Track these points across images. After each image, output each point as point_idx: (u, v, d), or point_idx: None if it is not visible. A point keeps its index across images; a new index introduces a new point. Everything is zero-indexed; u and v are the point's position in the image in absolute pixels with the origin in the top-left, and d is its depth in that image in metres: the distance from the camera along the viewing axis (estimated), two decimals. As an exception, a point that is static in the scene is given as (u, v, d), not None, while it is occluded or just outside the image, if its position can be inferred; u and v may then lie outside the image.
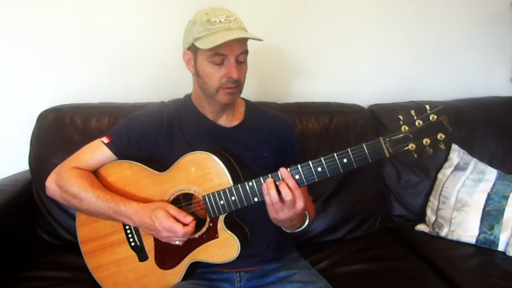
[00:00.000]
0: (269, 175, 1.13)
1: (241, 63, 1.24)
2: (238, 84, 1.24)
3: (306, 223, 1.26)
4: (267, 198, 1.12)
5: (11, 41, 1.81)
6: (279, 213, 1.13)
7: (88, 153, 1.33)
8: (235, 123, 1.37)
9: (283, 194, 1.10)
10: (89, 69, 1.88)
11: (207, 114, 1.35)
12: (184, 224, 1.16)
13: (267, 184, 1.11)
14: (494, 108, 2.03)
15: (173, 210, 1.19)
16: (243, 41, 1.23)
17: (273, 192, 1.11)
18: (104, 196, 1.23)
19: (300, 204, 1.11)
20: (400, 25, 2.12)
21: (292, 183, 1.10)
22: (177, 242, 1.18)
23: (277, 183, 1.11)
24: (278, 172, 1.12)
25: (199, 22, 1.21)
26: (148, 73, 1.93)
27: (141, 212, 1.20)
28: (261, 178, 1.13)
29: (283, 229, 1.28)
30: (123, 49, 1.89)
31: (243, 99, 1.45)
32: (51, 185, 1.31)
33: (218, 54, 1.19)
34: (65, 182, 1.27)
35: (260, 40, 1.21)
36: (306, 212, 1.25)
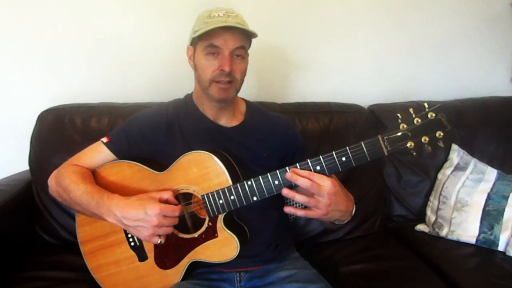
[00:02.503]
0: (268, 174, 1.13)
1: (238, 58, 1.25)
2: (232, 79, 1.24)
3: (354, 207, 1.22)
4: (298, 212, 1.10)
5: (11, 41, 1.81)
6: (319, 207, 1.08)
7: (88, 152, 1.35)
8: (235, 123, 1.38)
9: (302, 184, 1.06)
10: (89, 69, 1.89)
11: (207, 113, 1.36)
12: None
13: (287, 194, 1.08)
14: (494, 108, 2.03)
15: (156, 194, 1.19)
16: (240, 36, 1.23)
17: (298, 195, 1.08)
18: (92, 188, 1.22)
19: (325, 182, 1.06)
20: (400, 25, 2.12)
21: (302, 172, 1.08)
22: (159, 241, 1.16)
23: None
24: (280, 171, 1.11)
25: (200, 18, 1.26)
26: (148, 73, 1.93)
27: (125, 202, 1.16)
28: (260, 177, 1.13)
29: (338, 223, 1.24)
30: (123, 49, 1.89)
31: (244, 99, 1.46)
32: (51, 181, 1.33)
33: (212, 45, 1.22)
34: (61, 176, 1.29)
35: (255, 35, 1.23)
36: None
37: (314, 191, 1.07)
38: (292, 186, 1.11)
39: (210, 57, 1.23)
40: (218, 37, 1.20)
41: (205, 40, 1.22)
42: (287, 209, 1.11)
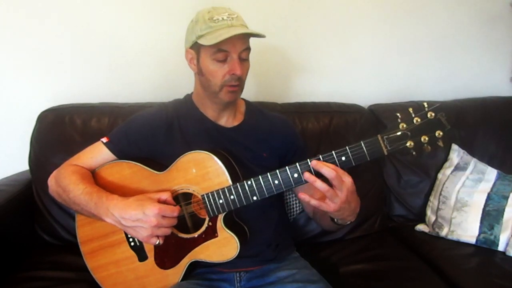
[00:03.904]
0: (268, 173, 1.13)
1: (243, 60, 1.25)
2: (240, 82, 1.25)
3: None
4: (312, 201, 1.10)
5: (11, 41, 1.81)
6: (334, 201, 1.08)
7: (88, 152, 1.35)
8: (235, 123, 1.38)
9: (327, 174, 1.05)
10: (89, 69, 1.89)
11: (207, 114, 1.35)
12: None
13: (308, 177, 1.07)
14: (494, 108, 2.03)
15: (154, 194, 1.18)
16: (245, 38, 1.23)
17: (319, 181, 1.07)
18: (91, 189, 1.22)
19: (347, 179, 1.06)
20: (400, 25, 2.12)
21: (329, 164, 1.07)
22: (157, 242, 1.15)
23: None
24: (280, 170, 1.11)
25: (201, 20, 1.22)
26: (148, 73, 1.93)
27: (124, 203, 1.16)
28: (259, 177, 1.13)
29: (337, 223, 1.23)
30: (123, 49, 1.89)
31: (244, 99, 1.46)
32: (51, 181, 1.33)
33: (221, 50, 1.20)
34: (60, 177, 1.29)
35: (263, 36, 1.21)
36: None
37: (336, 184, 1.06)
38: (293, 185, 1.11)
39: (219, 62, 1.22)
40: (227, 42, 1.18)
41: (212, 45, 1.19)
42: (302, 196, 1.10)
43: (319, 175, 1.07)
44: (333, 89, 2.10)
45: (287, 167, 1.11)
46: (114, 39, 1.87)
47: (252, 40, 1.26)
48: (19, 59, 1.84)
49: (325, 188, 1.07)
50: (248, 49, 1.25)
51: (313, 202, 1.10)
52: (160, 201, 1.17)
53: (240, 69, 1.22)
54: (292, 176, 1.11)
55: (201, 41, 1.21)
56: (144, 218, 1.12)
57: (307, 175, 1.08)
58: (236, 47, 1.21)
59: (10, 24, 1.80)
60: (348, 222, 1.23)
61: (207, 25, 1.20)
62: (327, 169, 1.05)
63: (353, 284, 1.46)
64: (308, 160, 1.09)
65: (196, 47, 1.26)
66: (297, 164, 1.10)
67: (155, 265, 1.27)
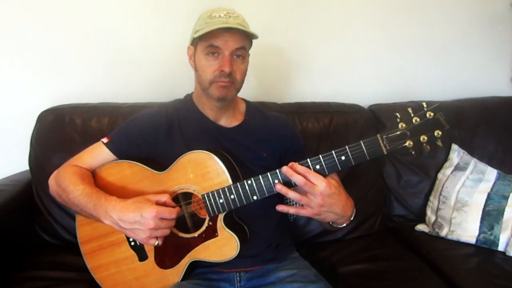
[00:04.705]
0: (268, 173, 1.13)
1: (238, 59, 1.25)
2: (232, 79, 1.25)
3: (353, 211, 1.21)
4: (290, 210, 1.12)
5: (11, 41, 1.81)
6: (311, 206, 1.09)
7: (89, 152, 1.36)
8: (235, 123, 1.38)
9: (296, 181, 1.07)
10: (89, 69, 1.89)
11: (207, 113, 1.36)
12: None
13: (280, 189, 1.10)
14: (494, 108, 2.03)
15: (153, 196, 1.18)
16: (240, 37, 1.23)
17: (290, 192, 1.09)
18: (90, 190, 1.22)
19: (320, 183, 1.06)
20: (400, 25, 2.12)
21: (299, 168, 1.08)
22: (156, 243, 1.15)
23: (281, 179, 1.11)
24: (280, 170, 1.11)
25: (201, 18, 1.26)
26: (148, 73, 1.93)
27: (122, 205, 1.16)
28: (260, 176, 1.14)
29: (335, 225, 1.24)
30: (123, 49, 1.89)
31: (244, 99, 1.46)
32: (51, 181, 1.33)
33: (212, 46, 1.22)
34: (60, 177, 1.29)
35: (256, 37, 1.23)
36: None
37: (308, 190, 1.07)
38: (292, 185, 1.11)
39: (210, 58, 1.24)
40: (218, 38, 1.20)
41: (205, 41, 1.22)
42: (280, 208, 1.12)
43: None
44: (333, 89, 2.10)
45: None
46: (114, 39, 1.87)
47: (253, 41, 1.27)
48: (20, 59, 1.84)
49: (297, 198, 1.09)
50: (242, 48, 1.25)
51: (291, 210, 1.13)
52: (159, 203, 1.17)
53: (229, 66, 1.22)
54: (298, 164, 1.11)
55: (195, 35, 1.24)
56: (142, 220, 1.12)
57: (279, 187, 1.10)
58: (228, 44, 1.21)
59: (11, 24, 1.80)
60: (342, 225, 1.24)
61: (205, 21, 1.23)
62: (296, 177, 1.07)
63: (353, 284, 1.46)
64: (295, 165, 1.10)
65: (195, 43, 1.29)
66: (296, 163, 1.10)
67: (155, 264, 1.27)
